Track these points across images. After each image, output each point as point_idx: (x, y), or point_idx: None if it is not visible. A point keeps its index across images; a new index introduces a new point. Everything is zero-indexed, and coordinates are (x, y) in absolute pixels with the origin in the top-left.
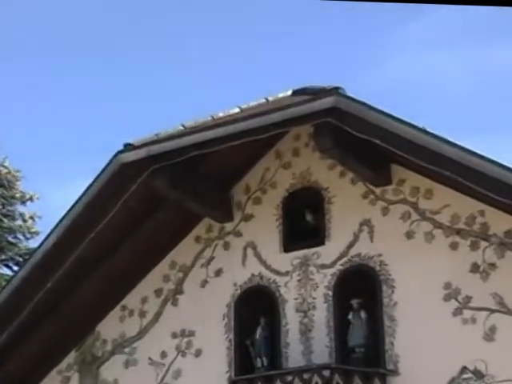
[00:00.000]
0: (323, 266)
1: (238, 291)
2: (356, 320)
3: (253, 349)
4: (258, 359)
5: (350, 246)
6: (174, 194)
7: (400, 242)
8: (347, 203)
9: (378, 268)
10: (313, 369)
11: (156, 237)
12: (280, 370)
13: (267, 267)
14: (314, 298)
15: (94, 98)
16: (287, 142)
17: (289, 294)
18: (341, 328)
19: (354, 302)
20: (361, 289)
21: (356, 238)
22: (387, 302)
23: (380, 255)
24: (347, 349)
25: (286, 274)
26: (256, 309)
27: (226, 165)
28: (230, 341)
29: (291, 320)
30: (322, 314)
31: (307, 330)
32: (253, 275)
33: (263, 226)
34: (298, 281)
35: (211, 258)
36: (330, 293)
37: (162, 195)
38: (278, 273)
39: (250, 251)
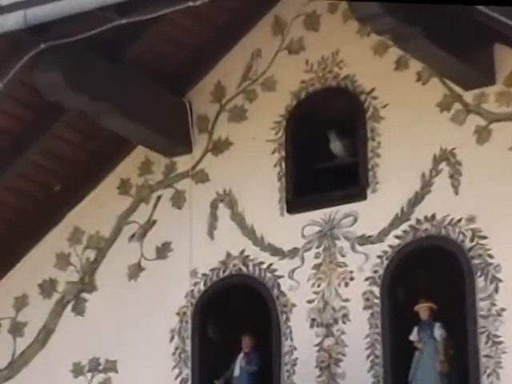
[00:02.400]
0: (364, 241)
1: (201, 286)
2: (426, 344)
3: None
4: None
5: (416, 201)
6: (77, 101)
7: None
8: (411, 120)
9: (467, 244)
10: None
11: (45, 180)
12: None
13: (256, 241)
14: (346, 301)
15: None
16: (295, 1)
17: (298, 292)
18: (397, 359)
19: (423, 309)
20: (435, 284)
21: (426, 185)
22: (486, 310)
23: (472, 219)
24: None
25: (293, 254)
26: (234, 320)
27: (176, 45)
28: (184, 381)
29: (302, 341)
30: (360, 332)
31: (332, 362)
32: (229, 256)
33: (249, 162)
34: (316, 267)
35: (150, 223)
36: (377, 291)
37: (57, 102)
38: (276, 252)
39: (223, 210)
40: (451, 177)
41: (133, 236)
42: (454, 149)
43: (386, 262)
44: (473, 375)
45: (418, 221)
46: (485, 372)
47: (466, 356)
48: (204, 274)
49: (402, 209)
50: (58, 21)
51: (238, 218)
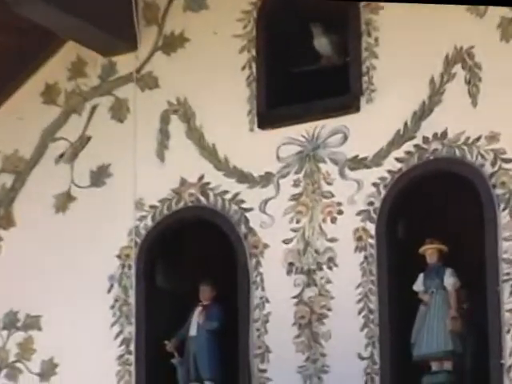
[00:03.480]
0: (356, 164)
1: (148, 222)
2: (434, 295)
3: (181, 361)
4: None
5: (423, 114)
6: None
7: None
8: (417, 10)
9: (488, 169)
10: None
11: None
12: None
13: (219, 165)
14: (333, 241)
15: None
16: None
17: (271, 229)
18: (397, 315)
19: (430, 252)
20: (446, 219)
21: (436, 94)
22: (511, 253)
23: (494, 138)
24: (411, 363)
25: (266, 180)
26: (190, 265)
27: None
28: (125, 342)
29: (276, 292)
30: (350, 280)
31: (315, 318)
32: (184, 184)
33: (210, 63)
34: (295, 198)
35: (82, 141)
36: (372, 228)
37: None
38: (245, 178)
39: (176, 125)
40: (468, 83)
41: (61, 156)
42: (471, 47)
43: (383, 192)
44: (493, 335)
45: (425, 139)
46: (508, 331)
47: (484, 311)
48: (152, 206)
49: (405, 124)
50: None
51: (196, 135)
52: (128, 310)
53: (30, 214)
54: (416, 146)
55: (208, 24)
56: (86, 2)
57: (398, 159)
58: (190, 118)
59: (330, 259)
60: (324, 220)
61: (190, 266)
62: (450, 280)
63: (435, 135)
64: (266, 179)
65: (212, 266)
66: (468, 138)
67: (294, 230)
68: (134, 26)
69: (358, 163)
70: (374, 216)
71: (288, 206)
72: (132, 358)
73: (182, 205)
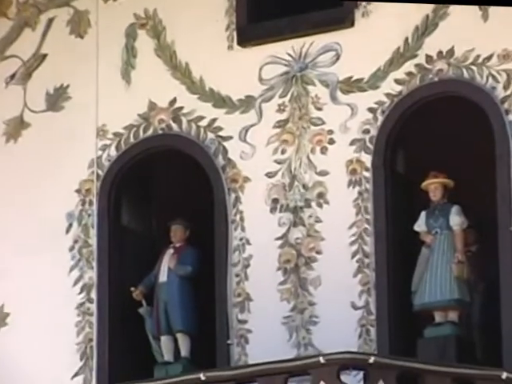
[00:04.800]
0: (349, 87)
1: (112, 151)
2: (439, 236)
3: (150, 310)
4: (164, 339)
5: (426, 29)
6: None
7: None
8: None
9: (500, 93)
10: (314, 365)
11: None
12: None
13: (193, 87)
14: (323, 174)
15: None
16: None
17: (253, 161)
18: (396, 258)
19: (434, 187)
20: (452, 150)
21: (442, 7)
22: None
23: (508, 56)
24: (411, 313)
25: (246, 105)
26: (160, 201)
27: None
28: (86, 288)
29: (258, 233)
30: (343, 219)
31: (302, 262)
32: (153, 109)
33: None
34: (279, 125)
35: (37, 59)
36: (368, 160)
37: None
38: (222, 102)
39: (144, 41)
40: None
41: (12, 77)
42: None
43: (381, 118)
44: (505, 282)
45: (429, 58)
46: None
47: (495, 254)
48: (116, 134)
49: (406, 41)
50: None
51: (167, 53)
52: (89, 253)
53: None
54: (418, 65)
55: None
56: None
57: (397, 81)
58: (159, 34)
59: (320, 195)
60: (313, 150)
61: (159, 203)
62: (456, 219)
63: (440, 53)
64: (247, 103)
65: (185, 203)
66: (478, 57)
67: (279, 162)
68: None
69: (351, 85)
70: (370, 146)
71: (272, 134)
72: (93, 306)
73: (150, 132)
